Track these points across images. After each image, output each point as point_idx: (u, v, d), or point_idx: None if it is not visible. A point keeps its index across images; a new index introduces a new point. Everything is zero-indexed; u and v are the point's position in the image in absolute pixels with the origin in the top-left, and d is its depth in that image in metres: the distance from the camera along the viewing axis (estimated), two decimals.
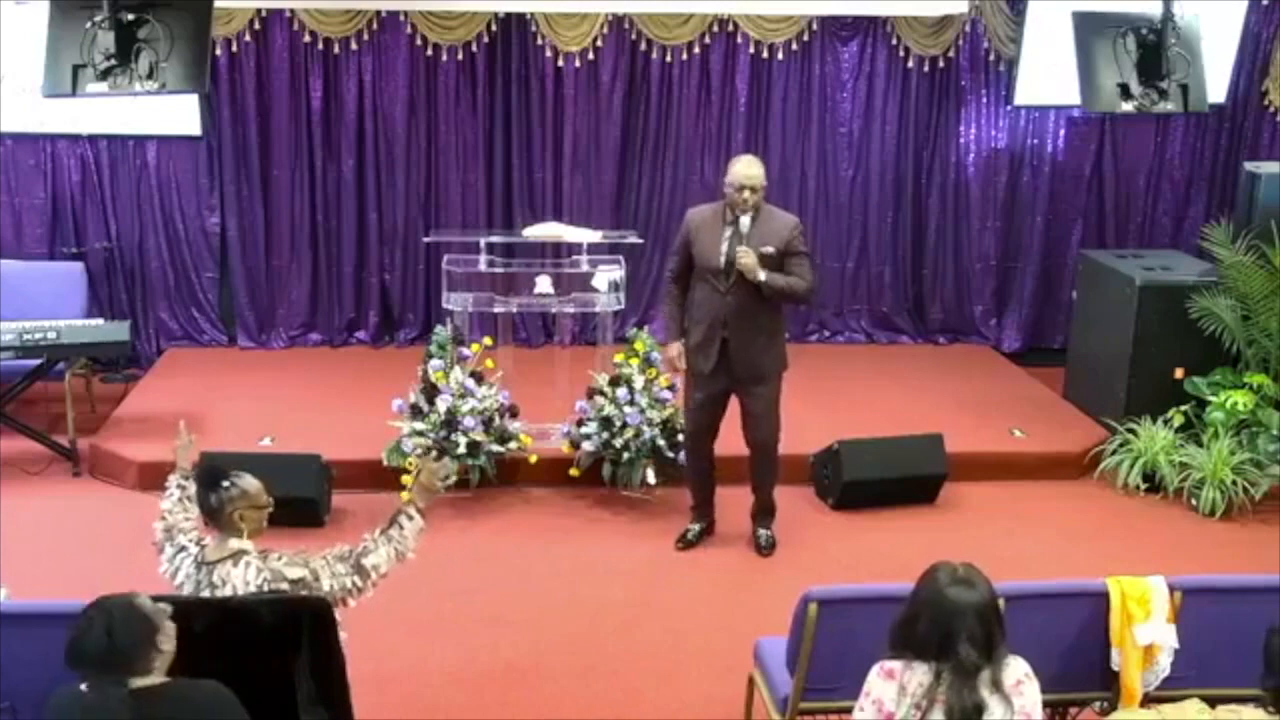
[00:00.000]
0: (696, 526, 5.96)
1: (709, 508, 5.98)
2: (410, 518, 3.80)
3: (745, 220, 5.38)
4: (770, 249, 5.40)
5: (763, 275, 5.35)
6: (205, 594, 3.58)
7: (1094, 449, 6.84)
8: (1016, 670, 3.05)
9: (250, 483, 3.67)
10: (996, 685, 2.97)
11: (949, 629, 2.96)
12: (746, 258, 5.33)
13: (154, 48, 5.44)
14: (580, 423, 6.33)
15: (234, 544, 3.65)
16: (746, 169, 5.42)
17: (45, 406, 7.00)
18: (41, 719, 3.48)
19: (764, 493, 5.87)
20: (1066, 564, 5.71)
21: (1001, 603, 3.08)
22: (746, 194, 5.37)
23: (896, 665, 3.05)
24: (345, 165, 8.03)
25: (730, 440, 5.84)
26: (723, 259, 5.41)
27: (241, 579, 3.57)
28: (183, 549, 3.73)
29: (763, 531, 5.89)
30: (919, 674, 3.00)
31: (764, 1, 7.97)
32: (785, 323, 5.83)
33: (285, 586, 3.58)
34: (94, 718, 2.98)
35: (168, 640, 3.10)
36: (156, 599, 3.40)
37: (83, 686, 3.02)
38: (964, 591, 2.99)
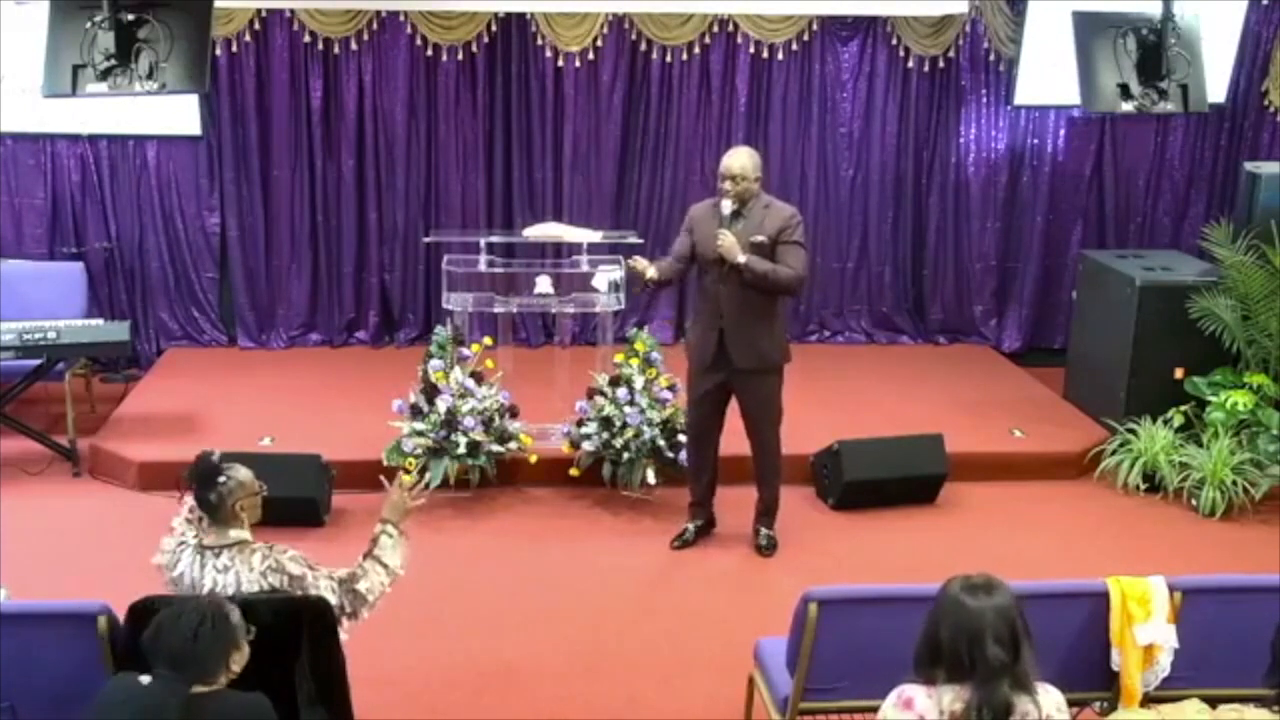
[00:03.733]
0: (693, 525, 5.95)
1: (708, 506, 5.99)
2: (390, 535, 3.83)
3: (726, 205, 5.45)
4: (761, 238, 5.44)
5: (742, 258, 5.38)
6: (206, 581, 3.60)
7: (1094, 449, 6.84)
8: (1047, 703, 2.91)
9: (244, 473, 3.73)
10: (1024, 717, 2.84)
11: (974, 631, 2.82)
12: (724, 239, 5.39)
13: (154, 48, 5.46)
14: (580, 423, 6.33)
15: (235, 534, 3.69)
16: (728, 159, 5.51)
17: (45, 406, 7.00)
18: (51, 715, 3.49)
19: (767, 490, 5.86)
20: (1066, 564, 5.71)
21: None
22: (727, 184, 5.45)
23: (916, 694, 2.90)
24: (345, 165, 8.02)
25: (732, 439, 5.85)
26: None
27: (246, 565, 3.62)
28: (183, 543, 3.76)
29: (763, 531, 5.89)
30: (945, 701, 2.85)
31: (764, 1, 7.97)
32: (784, 314, 5.83)
33: (285, 580, 3.61)
34: (148, 716, 2.91)
35: (240, 659, 3.07)
36: (158, 599, 3.41)
37: (144, 678, 2.96)
38: (982, 597, 2.86)
